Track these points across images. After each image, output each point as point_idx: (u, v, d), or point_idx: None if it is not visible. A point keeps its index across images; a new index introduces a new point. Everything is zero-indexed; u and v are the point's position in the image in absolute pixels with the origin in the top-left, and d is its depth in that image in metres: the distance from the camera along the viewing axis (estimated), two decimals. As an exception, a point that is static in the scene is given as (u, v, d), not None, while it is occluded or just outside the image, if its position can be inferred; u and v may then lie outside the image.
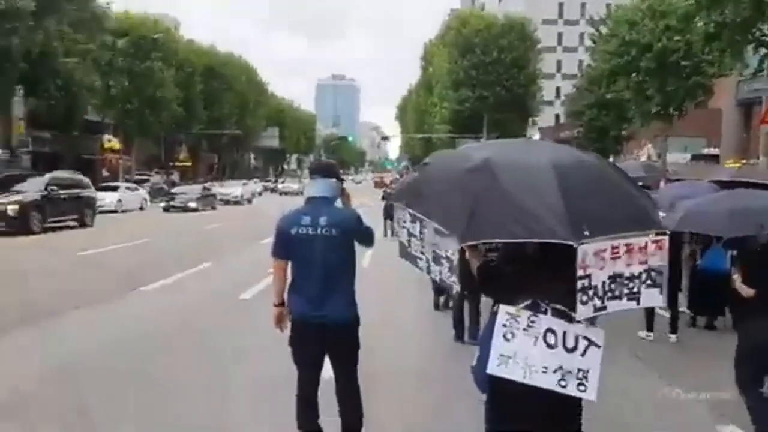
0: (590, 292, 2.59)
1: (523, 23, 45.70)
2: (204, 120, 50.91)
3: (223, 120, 54.15)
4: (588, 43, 45.34)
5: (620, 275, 2.65)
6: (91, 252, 14.13)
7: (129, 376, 5.57)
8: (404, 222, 3.19)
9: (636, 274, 2.67)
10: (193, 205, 31.18)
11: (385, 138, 76.94)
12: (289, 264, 3.86)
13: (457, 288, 2.89)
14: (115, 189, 30.98)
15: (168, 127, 44.20)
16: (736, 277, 4.37)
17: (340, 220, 3.77)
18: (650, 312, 7.28)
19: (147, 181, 40.91)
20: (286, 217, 3.85)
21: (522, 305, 2.75)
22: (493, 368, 2.71)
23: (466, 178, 2.78)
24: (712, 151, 29.40)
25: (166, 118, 41.73)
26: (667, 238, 2.74)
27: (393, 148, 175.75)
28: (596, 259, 2.56)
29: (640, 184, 8.80)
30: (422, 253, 3.06)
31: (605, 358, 2.68)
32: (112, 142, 42.92)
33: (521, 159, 2.89)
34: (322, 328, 3.71)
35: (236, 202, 39.08)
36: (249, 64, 62.06)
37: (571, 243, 2.46)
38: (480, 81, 44.50)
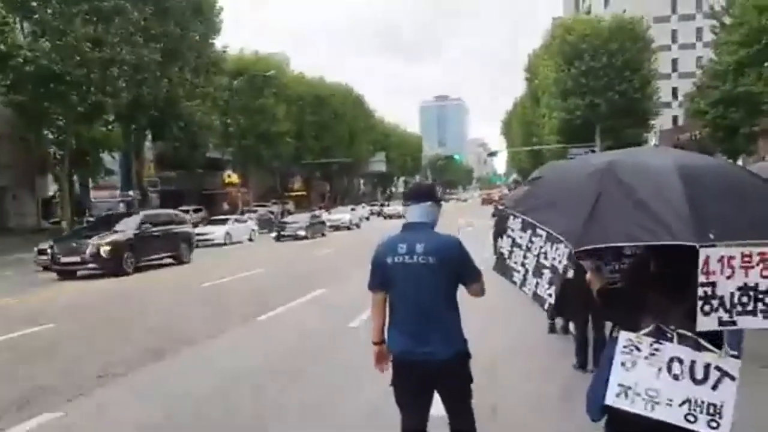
0: (714, 302, 2.37)
1: (633, 23, 43.30)
2: (315, 150, 52.86)
3: (333, 149, 55.94)
4: (707, 38, 42.10)
5: (754, 288, 2.39)
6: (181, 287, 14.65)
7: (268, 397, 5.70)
8: (512, 230, 3.00)
9: None
10: (302, 233, 31.82)
11: (491, 154, 75.85)
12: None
13: (551, 301, 2.68)
14: (224, 222, 31.98)
15: (282, 160, 46.33)
16: None
17: (438, 247, 3.49)
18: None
19: (270, 212, 43.08)
20: (381, 246, 3.62)
21: (644, 331, 2.54)
22: (611, 399, 2.50)
23: (586, 182, 2.66)
24: None
25: (280, 150, 43.76)
26: None
27: (500, 164, 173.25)
28: (722, 266, 2.35)
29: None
30: (522, 264, 2.88)
31: (747, 395, 2.42)
32: (231, 177, 45.66)
33: (644, 162, 2.70)
34: (427, 366, 3.45)
35: (346, 228, 39.99)
36: (355, 91, 63.83)
37: (692, 244, 2.27)
38: (590, 88, 42.59)
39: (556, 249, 2.64)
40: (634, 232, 2.42)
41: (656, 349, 2.49)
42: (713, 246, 2.32)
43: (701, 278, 2.33)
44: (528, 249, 2.85)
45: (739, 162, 31.69)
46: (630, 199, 2.48)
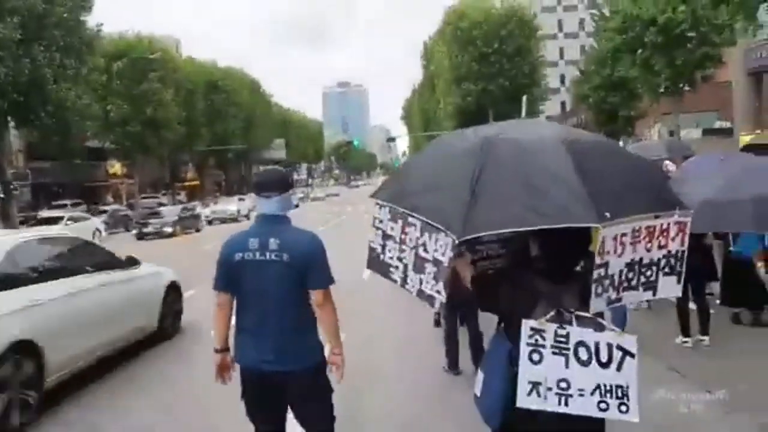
0: (605, 282, 2.31)
1: (522, 11, 44.60)
2: (208, 137, 50.55)
3: (228, 135, 53.82)
4: (589, 27, 44.20)
5: (639, 261, 2.39)
6: None
7: None
8: (380, 222, 2.68)
9: (655, 260, 2.42)
10: (168, 229, 28.23)
11: (391, 139, 76.03)
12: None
13: (441, 299, 2.40)
14: (57, 221, 26.06)
15: (171, 147, 43.82)
16: (761, 266, 3.54)
17: (295, 243, 3.04)
18: (683, 312, 6.31)
19: (160, 203, 40.49)
20: (229, 241, 3.17)
21: (547, 317, 2.36)
22: (523, 400, 2.29)
23: (463, 161, 2.36)
24: (724, 125, 28.34)
25: (168, 138, 41.34)
26: (689, 219, 2.45)
27: (403, 149, 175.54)
28: (615, 244, 2.28)
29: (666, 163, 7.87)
30: (399, 259, 2.56)
31: (639, 374, 2.32)
32: (114, 167, 42.68)
33: (527, 136, 2.46)
34: (280, 379, 3.01)
35: (233, 219, 36.37)
36: (251, 76, 61.67)
37: (596, 226, 2.16)
38: (483, 74, 43.50)
39: (437, 240, 2.34)
40: (527, 216, 2.15)
41: (561, 336, 2.32)
42: (610, 225, 2.19)
43: (597, 259, 2.23)
44: (402, 242, 2.54)
45: (620, 143, 33.56)
46: (516, 179, 2.23)
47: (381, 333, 7.39)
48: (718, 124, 29.67)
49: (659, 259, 2.42)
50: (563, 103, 65.49)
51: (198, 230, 31.11)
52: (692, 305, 6.37)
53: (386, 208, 2.62)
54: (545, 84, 47.15)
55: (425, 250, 2.40)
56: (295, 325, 3.04)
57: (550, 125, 2.93)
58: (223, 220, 35.98)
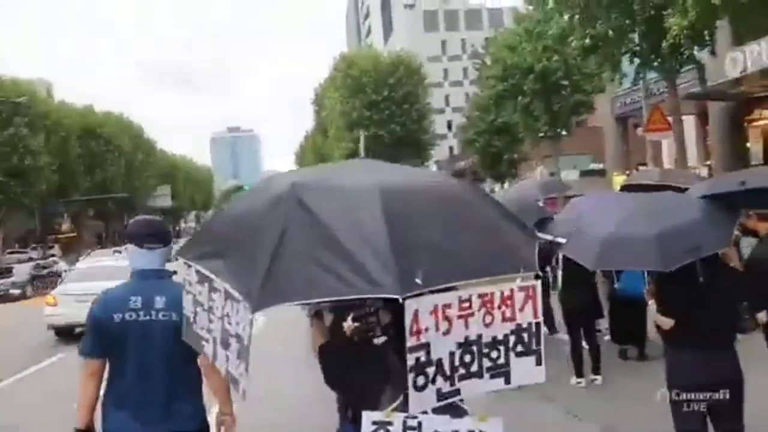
0: (430, 371, 1.88)
1: (409, 59, 46.23)
2: (86, 186, 47.17)
3: (107, 184, 50.51)
4: (472, 76, 46.62)
5: (476, 340, 1.97)
6: None
7: None
8: (189, 285, 2.33)
9: (500, 337, 2.01)
10: (16, 291, 23.77)
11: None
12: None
13: (243, 385, 1.96)
14: None
15: (43, 198, 40.31)
16: (651, 304, 3.46)
17: (182, 300, 2.63)
18: (576, 353, 6.29)
19: (30, 258, 36.51)
20: (103, 299, 2.78)
21: (392, 406, 2.03)
22: None
23: (267, 214, 1.99)
24: (598, 166, 30.55)
25: (38, 188, 38.00)
26: (538, 282, 2.09)
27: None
28: (436, 319, 1.87)
29: (541, 204, 8.01)
30: (209, 330, 2.16)
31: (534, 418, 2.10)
32: (-29, 220, 38.54)
33: (341, 182, 2.10)
34: None
35: None
36: (132, 122, 58.83)
37: (395, 297, 1.73)
38: (373, 120, 44.29)
39: (238, 311, 1.90)
40: (330, 283, 1.76)
41: (411, 428, 1.94)
42: (421, 294, 1.78)
43: (410, 341, 1.80)
44: (211, 310, 2.13)
45: (505, 185, 35.15)
46: (321, 238, 1.85)
47: (274, 390, 6.77)
48: (592, 166, 31.88)
49: (506, 336, 2.00)
50: (451, 148, 68.08)
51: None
52: (584, 344, 6.39)
53: (193, 268, 2.25)
54: (433, 130, 48.82)
55: (229, 322, 1.99)
56: (183, 389, 2.70)
57: (375, 167, 2.53)
58: None
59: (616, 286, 7.28)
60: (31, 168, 36.91)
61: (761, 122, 17.10)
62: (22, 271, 25.72)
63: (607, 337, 7.42)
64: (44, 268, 27.44)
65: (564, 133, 24.69)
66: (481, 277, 1.96)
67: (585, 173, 30.79)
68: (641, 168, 16.85)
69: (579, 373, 6.30)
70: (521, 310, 2.01)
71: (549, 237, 5.74)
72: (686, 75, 15.61)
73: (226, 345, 2.00)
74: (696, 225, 3.33)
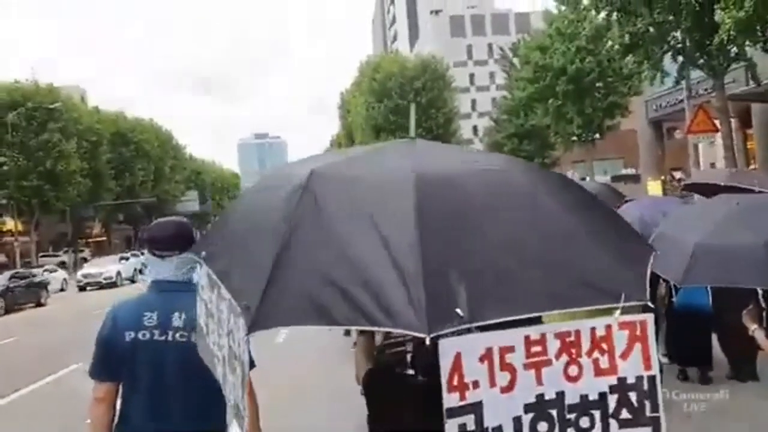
0: None
1: (435, 63, 45.92)
2: (116, 190, 47.81)
3: (136, 188, 51.16)
4: (499, 80, 46.07)
5: (554, 402, 1.41)
6: None
7: None
8: (201, 289, 1.96)
9: (593, 397, 1.44)
10: None
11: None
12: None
13: (238, 428, 1.66)
14: None
15: (74, 202, 40.91)
16: (756, 330, 2.98)
17: None
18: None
19: (62, 263, 37.15)
20: (114, 313, 2.39)
21: None
22: None
23: (276, 209, 1.58)
24: (630, 171, 29.82)
25: (70, 192, 38.58)
26: (650, 318, 1.49)
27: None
28: (490, 368, 1.35)
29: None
30: (219, 347, 1.77)
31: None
32: (6, 223, 39.26)
33: (369, 170, 1.65)
34: None
35: (110, 284, 26.74)
36: (161, 127, 59.56)
37: (422, 336, 1.22)
38: (400, 125, 44.01)
39: (239, 328, 1.48)
40: (339, 308, 1.33)
41: None
42: (467, 332, 1.30)
43: (449, 400, 1.30)
44: (220, 323, 1.74)
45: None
46: (333, 245, 1.42)
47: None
48: (624, 171, 31.17)
49: (603, 396, 1.46)
50: (477, 153, 67.51)
51: (40, 303, 22.26)
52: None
53: (204, 269, 1.88)
54: (460, 135, 48.37)
55: (233, 339, 1.60)
56: (203, 421, 2.29)
57: (430, 148, 2.07)
58: (100, 286, 26.58)
59: (674, 299, 6.77)
60: (63, 172, 37.49)
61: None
62: None
63: (662, 356, 6.91)
64: (23, 278, 22.82)
65: (597, 136, 24.06)
66: (559, 309, 1.40)
67: (617, 178, 30.13)
68: (692, 171, 16.15)
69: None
70: (624, 357, 1.44)
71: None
72: (729, 75, 14.99)
73: (232, 369, 1.63)
74: None
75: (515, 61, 30.12)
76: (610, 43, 17.22)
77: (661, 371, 1.57)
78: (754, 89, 14.41)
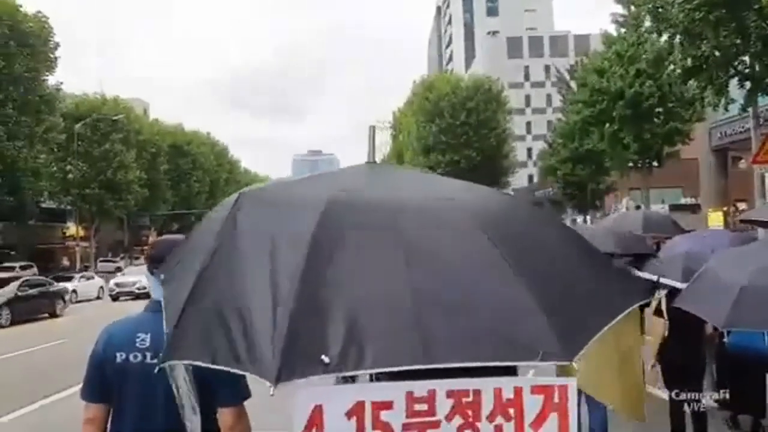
0: None
1: (490, 83, 45.52)
2: (171, 200, 49.31)
3: (191, 199, 52.62)
4: (556, 103, 45.26)
5: None
6: None
7: None
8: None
9: None
10: None
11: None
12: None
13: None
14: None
15: (131, 210, 42.41)
16: None
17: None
18: (677, 416, 5.36)
19: (118, 268, 38.28)
20: (110, 333, 2.33)
21: None
22: None
23: (213, 231, 1.55)
24: (690, 201, 28.58)
25: (129, 200, 40.02)
26: (573, 382, 1.24)
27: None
28: (359, 425, 1.16)
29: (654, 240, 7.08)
30: (184, 379, 1.91)
31: None
32: (69, 229, 41.03)
33: (294, 193, 1.60)
34: None
35: (144, 294, 21.30)
36: (217, 141, 61.31)
37: (267, 383, 1.10)
38: (450, 145, 43.73)
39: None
40: (218, 346, 1.25)
41: None
42: (334, 380, 1.23)
43: None
44: None
45: (587, 218, 33.49)
46: (232, 276, 1.33)
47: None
48: (683, 201, 29.89)
49: None
50: (531, 176, 66.43)
51: (55, 315, 20.41)
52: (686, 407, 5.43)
53: (160, 291, 1.90)
54: (514, 156, 47.66)
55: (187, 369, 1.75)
56: None
57: (382, 172, 1.86)
58: (134, 296, 24.29)
59: (725, 340, 6.24)
60: (122, 182, 38.91)
61: None
62: (6, 292, 18.83)
63: (712, 400, 6.35)
64: (35, 286, 20.58)
65: (655, 164, 23.12)
66: (456, 362, 1.15)
67: (675, 207, 28.89)
68: (757, 203, 15.23)
69: (674, 441, 5.35)
70: (535, 426, 1.19)
71: (661, 279, 4.95)
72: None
73: (189, 401, 1.66)
74: None
75: (572, 83, 29.41)
76: (671, 67, 16.55)
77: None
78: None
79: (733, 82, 13.27)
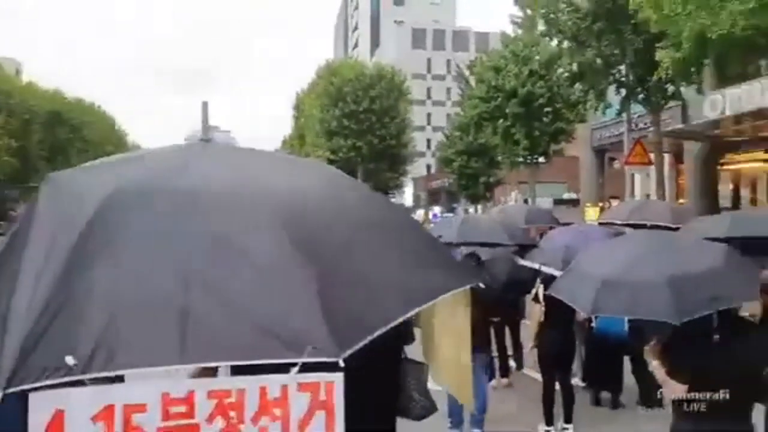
0: None
1: (393, 73, 45.96)
2: (46, 172, 45.58)
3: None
4: (455, 96, 46.57)
5: None
6: None
7: None
8: None
9: None
10: None
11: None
12: None
13: None
14: None
15: None
16: (656, 365, 2.90)
17: None
18: (549, 398, 5.73)
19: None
20: None
21: None
22: None
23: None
24: (572, 196, 30.54)
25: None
26: (338, 378, 1.18)
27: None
28: (108, 429, 1.05)
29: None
30: None
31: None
32: None
33: (97, 179, 1.45)
34: None
35: None
36: (104, 111, 57.35)
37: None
38: (352, 130, 43.77)
39: None
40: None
41: None
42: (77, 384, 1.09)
43: None
44: None
45: (478, 208, 34.88)
46: (10, 272, 1.24)
47: None
48: (566, 196, 31.84)
49: None
50: (429, 166, 67.98)
51: None
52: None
53: None
54: (413, 146, 48.49)
55: None
56: None
57: (216, 153, 1.77)
58: None
59: (593, 325, 6.76)
60: (-12, 148, 35.51)
61: (732, 167, 17.07)
62: None
63: (578, 381, 6.88)
64: None
65: (542, 160, 24.48)
66: (222, 361, 1.15)
67: (559, 201, 30.75)
68: (627, 199, 16.52)
69: (549, 421, 5.73)
70: (302, 427, 1.15)
71: (542, 267, 5.27)
72: (666, 112, 15.45)
73: None
74: (716, 272, 2.79)
75: (471, 79, 30.35)
76: (560, 70, 17.55)
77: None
78: (686, 127, 14.91)
79: (612, 89, 14.29)
